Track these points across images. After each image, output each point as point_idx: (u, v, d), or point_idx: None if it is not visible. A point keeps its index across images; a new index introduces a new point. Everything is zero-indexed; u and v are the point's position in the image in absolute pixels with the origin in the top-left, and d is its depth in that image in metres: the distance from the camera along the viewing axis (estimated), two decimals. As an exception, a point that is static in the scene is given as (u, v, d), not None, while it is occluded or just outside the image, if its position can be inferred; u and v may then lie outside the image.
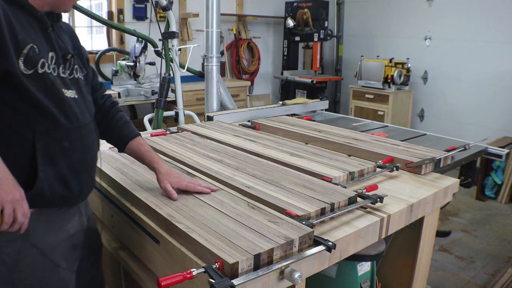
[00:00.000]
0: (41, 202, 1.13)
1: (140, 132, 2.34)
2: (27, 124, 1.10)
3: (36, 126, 1.10)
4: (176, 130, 2.27)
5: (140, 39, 3.87)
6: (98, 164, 1.38)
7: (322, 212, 1.26)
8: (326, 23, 5.41)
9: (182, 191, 1.38)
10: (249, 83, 5.45)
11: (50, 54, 1.15)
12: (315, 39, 5.39)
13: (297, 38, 5.60)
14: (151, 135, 2.11)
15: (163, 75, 3.06)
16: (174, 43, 3.10)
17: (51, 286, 1.22)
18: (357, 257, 1.48)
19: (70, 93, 1.19)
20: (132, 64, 4.23)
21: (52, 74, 1.14)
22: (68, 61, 1.21)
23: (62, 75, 1.18)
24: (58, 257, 1.21)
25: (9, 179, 1.01)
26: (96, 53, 4.45)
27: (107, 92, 1.55)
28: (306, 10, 5.29)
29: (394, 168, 1.69)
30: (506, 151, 2.20)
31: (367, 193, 1.42)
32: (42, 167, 1.10)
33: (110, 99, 1.48)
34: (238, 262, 0.95)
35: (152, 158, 1.42)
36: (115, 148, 1.86)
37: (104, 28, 4.74)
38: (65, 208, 1.23)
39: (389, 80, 4.80)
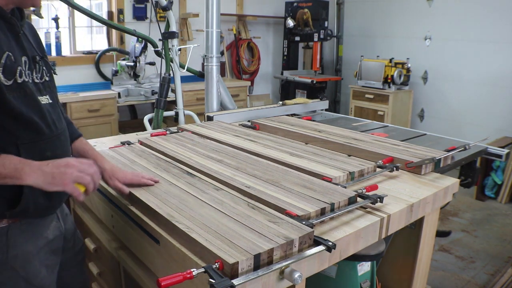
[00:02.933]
0: (25, 215, 1.12)
1: (140, 132, 2.36)
2: (10, 138, 1.06)
3: (19, 139, 1.06)
4: (176, 130, 2.27)
5: (140, 39, 3.87)
6: None
7: (322, 212, 1.26)
8: (326, 23, 5.41)
9: (183, 191, 1.38)
10: (249, 83, 5.45)
11: (23, 59, 1.10)
12: (315, 39, 5.39)
13: (297, 38, 5.60)
14: (151, 135, 2.11)
15: (163, 75, 3.06)
16: (174, 43, 3.10)
17: None
18: (357, 257, 1.48)
19: (44, 99, 1.15)
20: (132, 64, 4.24)
21: (29, 82, 1.10)
22: (38, 63, 1.17)
23: (36, 80, 1.14)
24: (39, 265, 1.19)
25: (53, 164, 1.02)
26: (96, 53, 4.46)
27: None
28: (306, 10, 5.29)
29: (394, 168, 1.69)
30: (506, 151, 2.20)
31: (367, 193, 1.41)
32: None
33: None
34: (238, 262, 0.95)
35: (95, 157, 1.39)
36: (115, 148, 1.87)
37: (104, 28, 4.74)
38: (45, 216, 1.22)
39: (389, 80, 4.80)
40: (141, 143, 2.00)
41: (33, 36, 1.24)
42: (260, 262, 0.99)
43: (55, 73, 1.30)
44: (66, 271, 1.38)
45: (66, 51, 4.38)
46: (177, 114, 3.26)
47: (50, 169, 1.00)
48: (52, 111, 1.17)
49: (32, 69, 1.13)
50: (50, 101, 1.17)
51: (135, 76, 4.35)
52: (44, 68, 1.20)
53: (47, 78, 1.21)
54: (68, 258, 1.39)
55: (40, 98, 1.13)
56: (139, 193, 1.38)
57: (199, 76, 3.46)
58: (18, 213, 1.09)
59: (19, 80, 1.06)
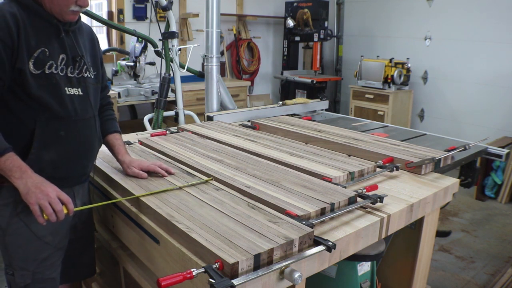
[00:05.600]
0: None
1: (140, 132, 2.36)
2: (31, 114, 1.26)
3: (37, 116, 1.27)
4: (176, 130, 2.27)
5: (140, 39, 3.87)
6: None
7: (322, 212, 1.26)
8: (326, 23, 5.41)
9: (183, 191, 1.38)
10: (249, 83, 5.45)
11: (61, 56, 1.31)
12: (315, 39, 5.39)
13: (297, 38, 5.60)
14: (151, 135, 2.11)
15: (163, 75, 3.06)
16: (174, 43, 3.10)
17: (34, 254, 1.34)
18: (357, 257, 1.48)
19: (74, 91, 1.35)
20: (132, 64, 4.23)
21: (59, 74, 1.30)
22: (78, 62, 1.37)
23: (69, 74, 1.34)
24: (45, 229, 1.32)
25: (38, 182, 1.19)
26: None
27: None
28: (306, 10, 5.29)
29: (394, 168, 1.69)
30: (506, 151, 2.20)
31: (367, 193, 1.42)
32: (36, 150, 1.27)
33: (108, 99, 1.67)
34: (238, 262, 0.95)
35: (119, 151, 1.58)
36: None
37: (104, 28, 4.74)
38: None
39: (389, 80, 4.80)
40: (141, 143, 2.00)
41: (89, 39, 1.48)
42: (260, 262, 0.99)
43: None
44: (74, 248, 1.51)
45: (66, 51, 4.37)
46: (177, 114, 3.26)
47: (31, 185, 1.18)
48: (78, 101, 1.36)
49: (68, 65, 1.33)
50: (81, 94, 1.37)
51: (135, 76, 4.35)
52: (86, 66, 1.40)
53: (87, 75, 1.40)
54: (77, 237, 1.53)
55: (68, 88, 1.33)
56: (139, 193, 1.38)
57: (199, 76, 3.46)
58: None
59: (47, 71, 1.27)
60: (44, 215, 1.18)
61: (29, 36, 1.23)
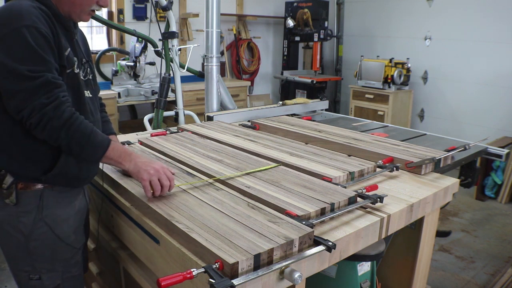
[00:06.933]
0: (57, 181, 1.31)
1: (140, 132, 2.36)
2: None
3: None
4: (176, 130, 2.27)
5: (140, 39, 3.87)
6: None
7: (322, 212, 1.26)
8: (326, 23, 5.41)
9: (183, 191, 1.38)
10: (249, 83, 5.45)
11: (74, 59, 1.34)
12: (315, 39, 5.39)
13: (297, 38, 5.60)
14: (151, 135, 2.11)
15: (163, 75, 3.06)
16: (174, 43, 3.10)
17: (61, 254, 1.37)
18: (357, 257, 1.48)
19: (87, 93, 1.40)
20: (132, 64, 4.23)
21: (79, 76, 1.35)
22: (83, 65, 1.41)
23: (81, 77, 1.38)
24: (68, 229, 1.37)
25: (145, 160, 1.32)
26: (96, 53, 4.46)
27: (103, 92, 1.72)
28: (306, 10, 5.29)
29: (394, 168, 1.69)
30: (506, 151, 2.20)
31: (367, 193, 1.42)
32: (65, 154, 1.28)
33: (100, 101, 1.67)
34: (238, 262, 0.95)
35: None
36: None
37: (104, 28, 4.74)
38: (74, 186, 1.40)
39: (389, 80, 4.80)
40: (141, 143, 2.00)
41: (82, 41, 1.50)
42: (260, 262, 0.99)
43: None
44: None
45: (66, 51, 4.37)
46: (177, 114, 3.26)
47: (140, 164, 1.30)
48: (91, 103, 1.42)
49: (80, 68, 1.37)
50: (91, 95, 1.43)
51: (135, 76, 4.35)
52: (88, 68, 1.45)
53: (89, 77, 1.46)
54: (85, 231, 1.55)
55: (84, 91, 1.37)
56: (139, 193, 1.38)
57: (199, 76, 3.46)
58: (51, 178, 1.29)
59: (76, 71, 1.32)
60: (151, 191, 1.29)
61: (59, 35, 1.25)
